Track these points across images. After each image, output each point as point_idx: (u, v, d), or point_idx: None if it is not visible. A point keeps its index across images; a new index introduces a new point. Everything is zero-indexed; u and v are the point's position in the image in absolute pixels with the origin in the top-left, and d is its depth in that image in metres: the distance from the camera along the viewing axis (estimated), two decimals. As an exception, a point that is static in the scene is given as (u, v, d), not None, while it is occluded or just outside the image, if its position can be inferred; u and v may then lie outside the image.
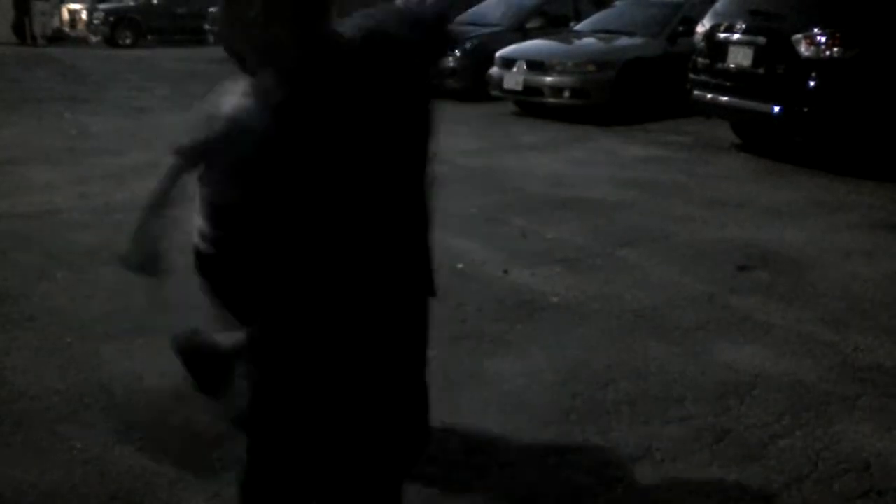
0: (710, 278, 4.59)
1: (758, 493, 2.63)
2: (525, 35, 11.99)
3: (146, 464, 2.73)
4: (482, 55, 11.88)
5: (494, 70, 10.97)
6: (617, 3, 12.22)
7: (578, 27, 11.85)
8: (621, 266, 4.79)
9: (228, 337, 1.67)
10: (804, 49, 7.06)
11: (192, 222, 1.51)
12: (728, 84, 7.86)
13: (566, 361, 3.54)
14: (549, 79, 10.25)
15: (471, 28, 12.94)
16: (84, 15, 23.33)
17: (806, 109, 7.11)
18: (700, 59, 8.34)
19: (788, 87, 7.21)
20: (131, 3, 22.16)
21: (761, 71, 7.46)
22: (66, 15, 24.06)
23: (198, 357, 1.75)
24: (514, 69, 10.61)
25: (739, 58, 7.69)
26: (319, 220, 1.43)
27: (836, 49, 6.91)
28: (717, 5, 8.31)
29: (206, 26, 20.15)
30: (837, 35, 6.90)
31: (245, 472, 1.65)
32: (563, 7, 13.23)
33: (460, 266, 4.73)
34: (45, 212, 5.70)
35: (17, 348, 3.59)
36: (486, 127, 9.96)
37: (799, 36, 7.09)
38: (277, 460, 1.57)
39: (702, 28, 8.35)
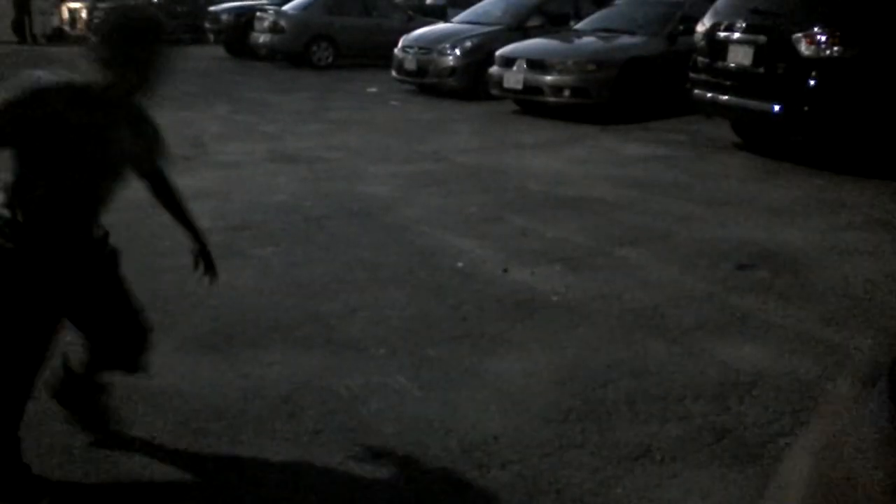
0: (710, 277, 4.59)
1: (757, 493, 2.62)
2: (525, 34, 12.00)
3: (146, 462, 2.73)
4: (482, 54, 11.89)
5: (494, 69, 10.97)
6: (617, 2, 12.21)
7: (579, 26, 11.85)
8: (621, 265, 4.79)
9: None
10: (804, 48, 7.06)
11: None
12: (728, 83, 7.86)
13: (566, 360, 3.54)
14: (549, 78, 10.25)
15: (471, 27, 12.95)
16: (84, 14, 23.32)
17: (806, 108, 7.11)
18: (700, 58, 8.34)
19: (788, 86, 7.21)
20: (131, 3, 22.12)
21: (761, 70, 7.46)
22: (66, 14, 24.05)
23: None
24: (515, 68, 10.61)
25: (740, 57, 7.69)
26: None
27: (836, 48, 6.91)
28: (718, 4, 8.30)
29: (206, 25, 20.15)
30: (837, 34, 6.90)
31: None
32: (563, 6, 13.23)
33: (460, 265, 4.73)
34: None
35: (16, 347, 3.58)
36: (486, 126, 9.96)
37: (799, 35, 7.09)
38: None
39: (702, 27, 8.35)
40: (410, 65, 12.74)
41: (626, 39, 10.62)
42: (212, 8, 20.49)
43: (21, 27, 21.36)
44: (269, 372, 3.35)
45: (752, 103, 7.58)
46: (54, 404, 2.98)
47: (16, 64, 16.54)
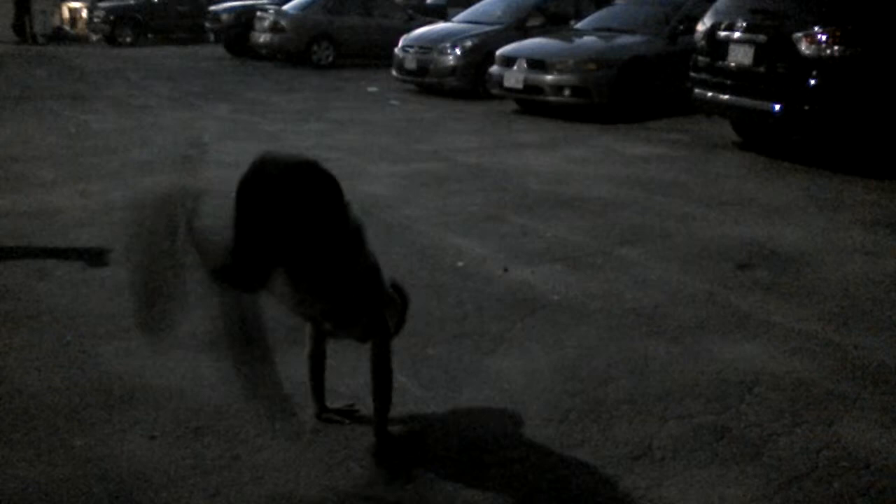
0: (710, 277, 4.59)
1: (757, 492, 2.63)
2: (525, 33, 12.01)
3: (146, 462, 2.73)
4: (482, 53, 11.91)
5: (495, 68, 10.98)
6: (618, 2, 12.22)
7: (579, 25, 11.86)
8: (621, 264, 4.79)
9: None
10: (805, 47, 7.06)
11: None
12: (728, 82, 7.86)
13: (566, 360, 3.54)
14: (549, 77, 10.26)
15: (471, 26, 12.95)
16: (84, 13, 23.35)
17: (806, 108, 7.11)
18: (701, 58, 8.34)
19: (789, 86, 7.21)
20: (131, 2, 22.17)
21: (762, 69, 7.46)
22: (66, 13, 24.06)
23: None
24: (515, 67, 10.62)
25: (740, 56, 7.69)
26: None
27: (836, 47, 6.91)
28: (718, 3, 8.30)
29: (206, 24, 20.15)
30: (838, 33, 6.90)
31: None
32: (563, 5, 13.24)
33: (460, 264, 4.73)
34: (45, 210, 5.70)
35: (17, 347, 3.59)
36: (487, 125, 9.96)
37: (799, 34, 7.09)
38: None
39: (702, 26, 8.35)
40: (411, 64, 12.75)
41: (626, 39, 10.62)
42: (212, 7, 20.51)
43: (21, 26, 21.39)
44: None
45: (753, 103, 7.58)
46: (56, 403, 2.98)
47: (16, 63, 16.54)
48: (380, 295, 2.74)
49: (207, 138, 8.61)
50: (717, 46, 7.99)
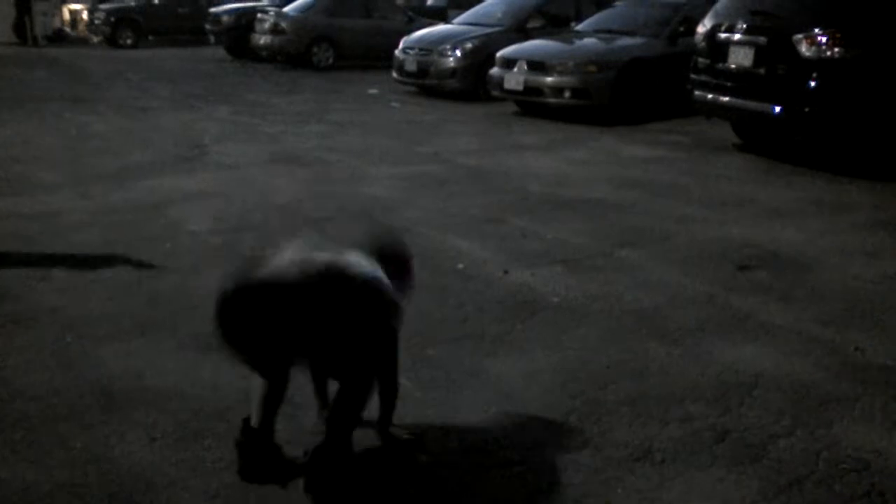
0: (711, 278, 4.59)
1: (758, 494, 2.62)
2: (526, 35, 12.01)
3: (146, 464, 2.73)
4: (483, 55, 11.91)
5: (495, 70, 10.98)
6: (618, 3, 12.22)
7: (579, 27, 11.86)
8: (621, 266, 4.79)
9: None
10: (805, 49, 7.06)
11: None
12: (729, 84, 7.86)
13: (566, 362, 3.54)
14: (549, 79, 10.25)
15: (472, 28, 12.96)
16: (85, 15, 23.37)
17: (806, 109, 7.11)
18: (701, 60, 8.34)
19: (789, 88, 7.21)
20: (132, 4, 22.19)
21: (762, 71, 7.46)
22: (66, 15, 24.09)
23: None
24: (515, 69, 10.62)
25: (740, 58, 7.69)
26: None
27: (836, 49, 6.91)
28: (718, 5, 8.30)
29: (207, 26, 20.17)
30: (838, 35, 6.90)
31: None
32: (563, 7, 13.25)
33: (461, 266, 4.73)
34: (45, 211, 5.70)
35: (17, 348, 3.59)
36: (487, 127, 9.96)
37: (800, 36, 7.09)
38: None
39: (702, 28, 8.35)
40: (411, 66, 12.75)
41: (626, 41, 10.62)
42: (213, 9, 20.54)
43: (22, 28, 21.41)
44: (269, 373, 3.35)
45: (753, 104, 7.58)
46: (55, 406, 2.98)
47: (17, 65, 16.56)
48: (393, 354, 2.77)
49: (207, 139, 8.62)
50: (717, 48, 7.99)
